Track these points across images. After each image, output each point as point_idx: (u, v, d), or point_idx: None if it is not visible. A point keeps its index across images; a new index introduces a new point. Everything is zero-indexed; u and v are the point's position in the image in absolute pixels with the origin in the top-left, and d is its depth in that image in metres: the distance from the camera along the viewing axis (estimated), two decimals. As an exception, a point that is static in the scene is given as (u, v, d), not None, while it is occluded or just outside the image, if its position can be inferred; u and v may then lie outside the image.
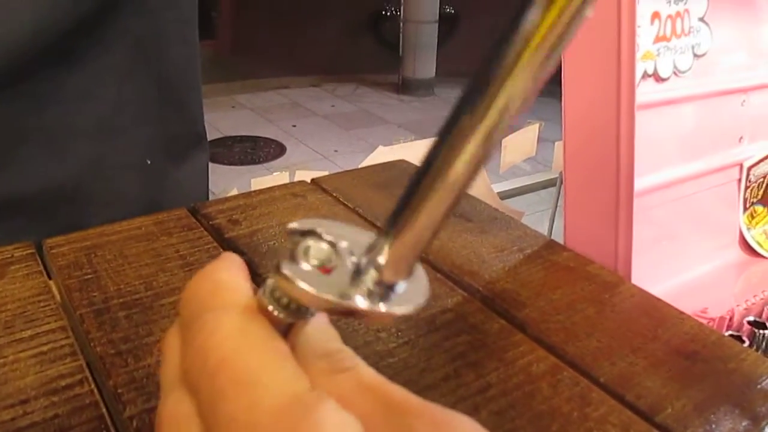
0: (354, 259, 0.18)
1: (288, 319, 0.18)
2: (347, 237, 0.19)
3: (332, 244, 0.19)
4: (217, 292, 0.19)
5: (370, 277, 0.18)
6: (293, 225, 0.19)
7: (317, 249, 0.18)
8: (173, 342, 0.20)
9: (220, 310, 0.18)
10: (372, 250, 0.18)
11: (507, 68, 0.14)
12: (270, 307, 0.18)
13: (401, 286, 0.18)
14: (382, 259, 0.18)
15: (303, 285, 0.17)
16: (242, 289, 0.19)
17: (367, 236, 0.19)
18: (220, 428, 0.16)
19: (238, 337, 0.17)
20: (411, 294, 0.19)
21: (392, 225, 0.17)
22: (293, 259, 0.18)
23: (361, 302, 0.17)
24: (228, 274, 0.20)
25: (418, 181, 0.17)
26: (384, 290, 0.18)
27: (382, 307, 0.18)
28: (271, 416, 0.15)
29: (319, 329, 0.20)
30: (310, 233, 0.19)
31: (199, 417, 0.17)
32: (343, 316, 0.18)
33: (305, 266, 0.18)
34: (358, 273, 0.18)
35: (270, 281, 0.19)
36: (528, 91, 0.15)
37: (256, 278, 0.41)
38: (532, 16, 0.14)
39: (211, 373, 0.17)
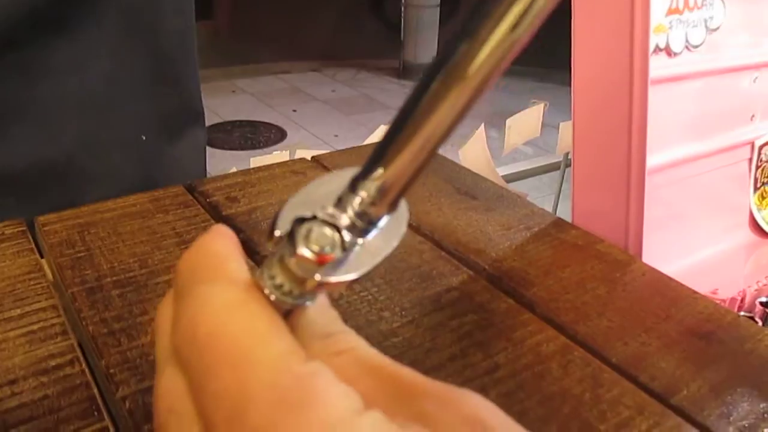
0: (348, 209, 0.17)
1: (287, 305, 0.17)
2: (338, 185, 0.18)
3: (331, 225, 0.17)
4: (212, 264, 0.18)
5: (354, 206, 0.17)
6: (276, 233, 0.17)
7: (319, 234, 0.17)
8: (166, 314, 0.19)
9: (213, 281, 0.17)
10: (358, 180, 0.17)
11: None
12: (267, 292, 0.17)
13: (383, 221, 0.17)
14: (368, 190, 0.17)
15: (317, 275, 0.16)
16: (238, 262, 0.18)
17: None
18: (210, 406, 0.15)
19: (229, 311, 0.16)
20: (390, 230, 0.18)
21: (382, 152, 0.16)
22: (293, 244, 0.17)
23: (345, 235, 0.17)
24: (223, 246, 0.19)
25: (413, 105, 0.15)
26: (366, 223, 0.17)
27: (359, 242, 0.17)
28: (262, 391, 0.14)
29: (319, 311, 0.19)
30: (299, 222, 0.17)
31: (190, 394, 0.16)
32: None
33: (306, 252, 0.17)
34: (341, 202, 0.17)
35: (267, 267, 0.17)
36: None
37: (255, 257, 0.39)
38: None
39: (200, 348, 0.15)
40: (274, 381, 0.14)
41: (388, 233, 0.18)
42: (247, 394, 0.14)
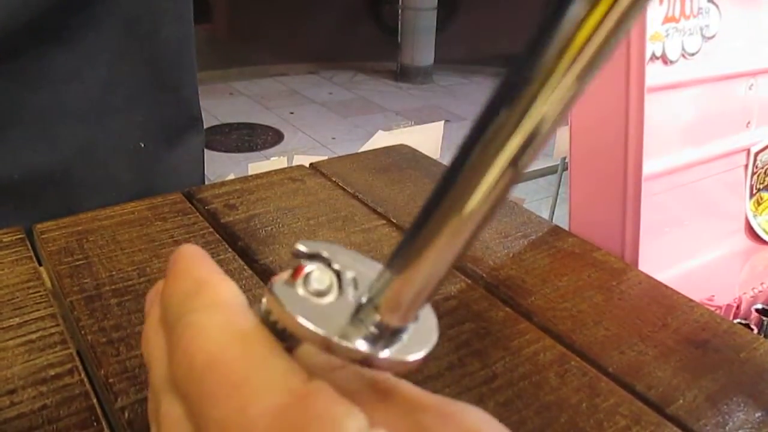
0: (357, 294, 0.17)
1: (283, 344, 0.17)
2: (356, 268, 0.17)
3: (337, 273, 0.17)
4: (200, 291, 0.18)
5: (370, 317, 0.16)
6: (300, 246, 0.17)
7: (319, 276, 0.17)
8: (156, 342, 0.19)
9: (204, 309, 0.17)
10: (374, 286, 0.16)
11: (542, 78, 0.12)
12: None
13: (407, 330, 0.17)
14: (382, 299, 0.16)
15: (300, 318, 0.16)
16: (223, 282, 0.18)
17: (377, 270, 0.17)
18: None
19: (223, 337, 0.16)
20: (417, 339, 0.17)
21: (396, 260, 0.15)
22: (290, 281, 0.17)
23: (360, 345, 0.16)
24: (204, 270, 0.19)
25: (429, 212, 0.14)
26: (386, 334, 0.16)
27: (384, 353, 0.16)
28: (264, 416, 0.14)
29: None
30: (316, 257, 0.17)
31: (190, 421, 0.16)
32: (342, 358, 0.16)
33: (301, 292, 0.16)
34: (358, 312, 0.16)
35: (264, 302, 0.17)
36: (567, 104, 0.12)
37: (253, 265, 0.39)
38: (576, 11, 0.11)
39: (198, 378, 0.15)
40: (275, 403, 0.14)
41: (415, 341, 0.17)
42: (249, 418, 0.14)
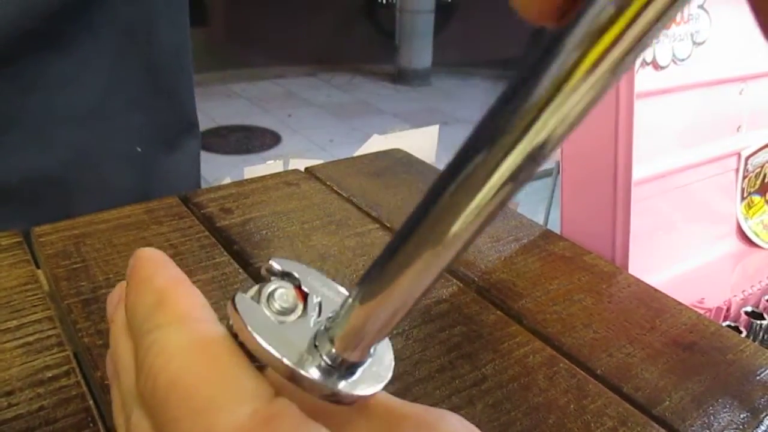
0: (319, 321, 0.17)
1: (251, 358, 0.17)
2: (324, 293, 0.17)
3: (305, 295, 0.17)
4: (161, 305, 0.17)
5: (325, 348, 0.16)
6: (273, 263, 0.17)
7: (283, 295, 0.17)
8: (126, 349, 0.18)
9: (167, 325, 0.17)
10: (335, 317, 0.16)
11: (545, 95, 0.11)
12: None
13: (361, 365, 0.16)
14: (339, 332, 0.16)
15: (255, 334, 0.15)
16: (188, 296, 0.18)
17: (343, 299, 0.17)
18: None
19: (186, 357, 0.16)
20: (370, 374, 0.17)
21: (362, 289, 0.15)
22: (256, 297, 0.17)
23: (313, 373, 0.15)
24: (167, 280, 0.18)
25: (398, 243, 0.14)
26: (340, 366, 0.16)
27: (334, 385, 0.16)
28: None
29: None
30: (287, 276, 0.17)
31: None
32: (291, 381, 0.16)
33: (265, 310, 0.16)
34: (314, 341, 0.16)
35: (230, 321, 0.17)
36: (574, 119, 0.11)
37: (248, 268, 0.40)
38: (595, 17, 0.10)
39: (162, 400, 0.15)
40: (238, 426, 0.14)
41: (368, 376, 0.17)
42: None
